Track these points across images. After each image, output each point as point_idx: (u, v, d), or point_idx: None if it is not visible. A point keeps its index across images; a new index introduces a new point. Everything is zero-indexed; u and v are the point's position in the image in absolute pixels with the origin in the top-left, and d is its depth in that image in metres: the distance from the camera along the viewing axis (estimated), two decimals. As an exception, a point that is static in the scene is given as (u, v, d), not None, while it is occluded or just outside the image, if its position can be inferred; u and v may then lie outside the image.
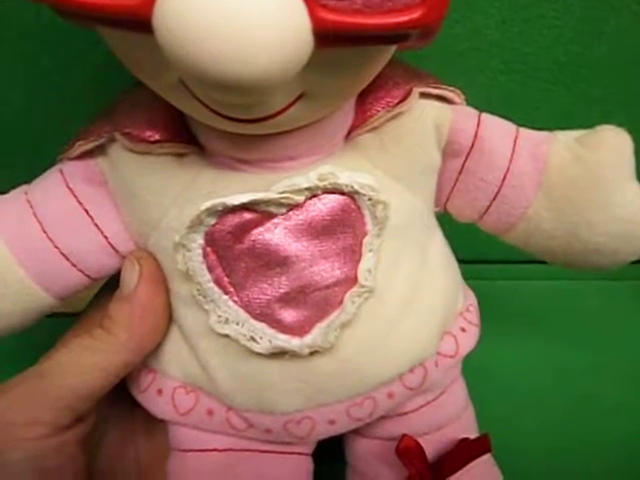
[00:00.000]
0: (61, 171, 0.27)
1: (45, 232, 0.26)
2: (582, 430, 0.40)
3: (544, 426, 0.40)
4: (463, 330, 0.29)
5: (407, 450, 0.27)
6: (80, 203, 0.26)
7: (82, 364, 0.26)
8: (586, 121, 0.29)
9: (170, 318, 0.28)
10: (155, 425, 0.31)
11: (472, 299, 0.32)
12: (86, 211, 0.26)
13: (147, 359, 0.28)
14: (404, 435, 0.28)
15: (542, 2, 0.39)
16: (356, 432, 0.29)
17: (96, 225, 0.27)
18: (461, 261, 0.32)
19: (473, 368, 0.34)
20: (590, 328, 0.46)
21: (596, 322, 0.47)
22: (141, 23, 0.16)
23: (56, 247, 0.26)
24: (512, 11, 0.39)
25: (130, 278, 0.26)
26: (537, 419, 0.41)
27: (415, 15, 0.17)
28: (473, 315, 0.31)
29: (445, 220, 0.31)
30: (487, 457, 0.29)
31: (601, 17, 0.40)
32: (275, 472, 0.28)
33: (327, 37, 0.16)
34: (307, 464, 0.29)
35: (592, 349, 0.45)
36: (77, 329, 0.28)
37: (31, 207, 0.26)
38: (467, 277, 0.33)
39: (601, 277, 0.50)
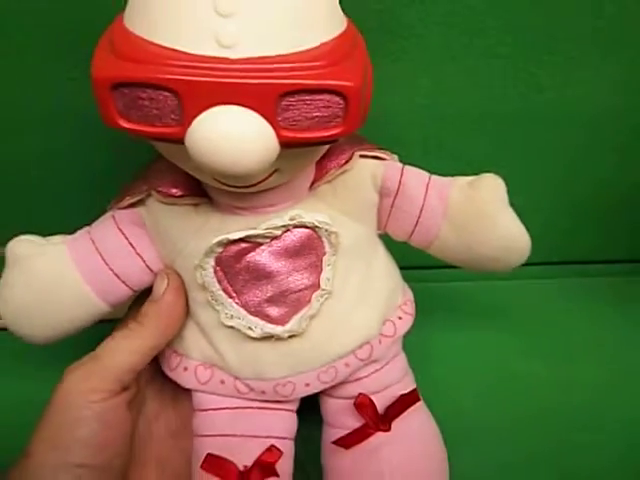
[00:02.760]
0: (113, 217, 0.37)
1: (104, 260, 0.36)
2: (514, 400, 0.48)
3: (480, 396, 0.48)
4: (400, 318, 0.40)
5: (362, 404, 0.37)
6: (127, 239, 0.36)
7: (123, 348, 0.35)
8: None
9: (187, 316, 0.38)
10: (180, 398, 0.40)
11: (409, 295, 0.42)
12: (131, 244, 0.37)
13: (175, 346, 0.38)
14: (360, 393, 0.37)
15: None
16: (327, 394, 0.39)
17: (138, 254, 0.37)
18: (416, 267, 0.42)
19: (423, 352, 0.43)
20: (524, 319, 0.54)
21: (529, 313, 0.55)
22: (178, 140, 0.27)
23: (111, 270, 0.36)
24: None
25: (159, 287, 0.36)
26: (474, 391, 0.48)
27: (338, 130, 0.27)
28: (409, 307, 0.41)
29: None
30: (422, 406, 0.39)
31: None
32: (269, 422, 0.37)
33: (287, 144, 0.27)
34: (293, 418, 0.38)
35: (525, 335, 0.53)
36: (120, 326, 0.37)
37: (93, 243, 0.37)
38: (422, 280, 0.43)
39: (533, 277, 0.58)
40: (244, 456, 0.36)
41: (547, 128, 0.51)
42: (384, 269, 0.40)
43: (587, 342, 0.53)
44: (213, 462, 0.35)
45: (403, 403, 0.38)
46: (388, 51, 0.44)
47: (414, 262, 0.44)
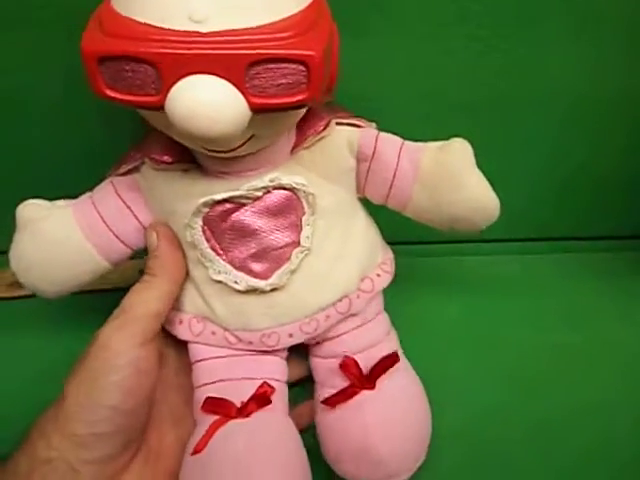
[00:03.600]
0: (112, 182, 0.40)
1: (104, 221, 0.40)
2: (501, 365, 0.50)
3: (468, 361, 0.50)
4: (378, 275, 0.43)
5: (346, 365, 0.40)
6: (124, 202, 0.40)
7: (145, 299, 0.38)
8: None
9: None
10: (182, 365, 0.43)
11: (390, 255, 0.45)
12: (128, 207, 0.40)
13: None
14: (344, 355, 0.40)
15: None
16: (315, 355, 0.42)
17: (134, 216, 0.40)
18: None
19: (413, 322, 0.47)
20: (511, 290, 0.57)
21: (516, 285, 0.58)
22: (158, 108, 0.30)
23: (111, 230, 0.40)
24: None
25: (152, 240, 0.39)
26: (462, 356, 0.50)
27: (303, 96, 0.30)
28: (388, 266, 0.44)
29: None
30: (407, 367, 0.42)
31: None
32: (261, 366, 0.40)
33: (257, 110, 0.30)
34: (283, 364, 0.42)
35: (512, 305, 0.55)
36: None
37: (94, 206, 0.40)
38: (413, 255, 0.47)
39: (520, 252, 0.61)
40: (240, 395, 0.39)
41: (526, 109, 0.53)
42: (363, 229, 0.43)
43: (570, 311, 0.56)
44: (212, 403, 0.38)
45: (386, 362, 0.40)
46: (366, 28, 0.46)
47: (405, 238, 0.47)
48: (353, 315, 0.41)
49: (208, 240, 0.38)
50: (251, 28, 0.29)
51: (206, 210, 0.37)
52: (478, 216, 0.42)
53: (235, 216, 0.38)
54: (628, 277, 0.60)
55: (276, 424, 0.39)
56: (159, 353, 0.38)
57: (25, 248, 0.39)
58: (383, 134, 0.41)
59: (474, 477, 0.43)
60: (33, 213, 0.40)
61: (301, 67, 0.29)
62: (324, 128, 0.39)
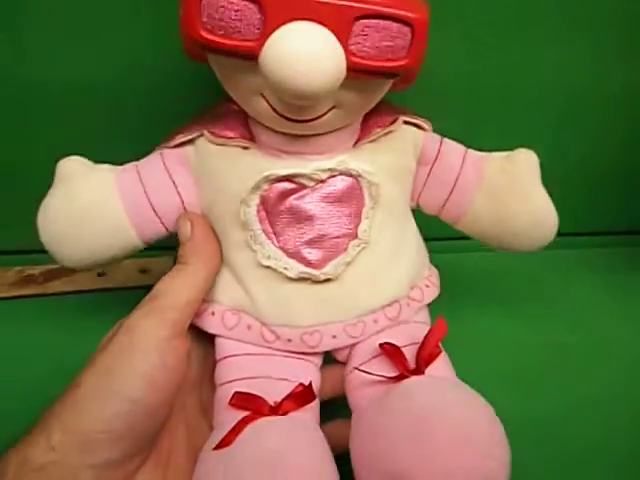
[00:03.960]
0: (161, 154, 0.38)
1: (146, 193, 0.38)
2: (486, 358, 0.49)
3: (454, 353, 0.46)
4: (427, 286, 0.41)
5: (391, 350, 0.36)
6: (170, 176, 0.38)
7: (177, 286, 0.35)
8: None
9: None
10: (206, 370, 0.40)
11: (435, 271, 0.44)
12: (173, 182, 0.38)
13: None
14: (385, 342, 0.36)
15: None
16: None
17: (178, 193, 0.38)
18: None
19: None
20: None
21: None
22: (252, 57, 0.29)
23: (150, 204, 0.38)
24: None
25: (185, 228, 0.37)
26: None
27: (402, 62, 0.30)
28: (434, 279, 0.43)
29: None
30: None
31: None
32: (295, 368, 0.37)
33: (355, 70, 0.29)
34: (318, 372, 0.38)
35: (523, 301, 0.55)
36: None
37: (139, 175, 0.38)
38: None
39: None
40: (273, 395, 0.35)
41: (522, 107, 0.54)
42: (414, 239, 0.42)
43: (567, 308, 0.56)
44: (242, 397, 0.35)
45: (433, 339, 0.37)
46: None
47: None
48: (400, 323, 0.39)
49: (261, 222, 0.37)
50: None
51: (265, 187, 0.36)
52: (538, 231, 0.41)
53: (294, 197, 0.36)
54: (625, 273, 0.61)
55: (312, 429, 0.35)
56: (188, 351, 0.35)
57: (57, 203, 0.37)
58: (447, 139, 0.41)
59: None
60: (74, 169, 0.38)
61: (406, 29, 0.29)
62: (392, 123, 0.38)
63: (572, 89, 0.53)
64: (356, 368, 0.37)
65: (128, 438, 0.31)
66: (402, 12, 0.29)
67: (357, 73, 0.30)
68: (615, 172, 0.60)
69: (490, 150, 0.42)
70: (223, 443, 0.32)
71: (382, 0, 0.29)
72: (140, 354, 0.32)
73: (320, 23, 0.28)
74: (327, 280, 0.37)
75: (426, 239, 0.44)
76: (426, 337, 0.36)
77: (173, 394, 0.34)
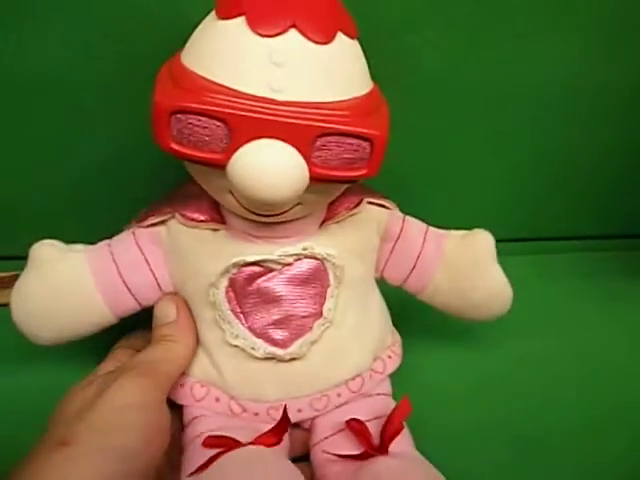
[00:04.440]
0: (133, 233, 0.39)
1: (119, 272, 0.39)
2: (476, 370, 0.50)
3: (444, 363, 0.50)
4: (389, 357, 0.43)
5: (356, 427, 0.37)
6: (143, 255, 0.39)
7: (169, 357, 0.37)
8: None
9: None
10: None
11: (398, 338, 0.46)
12: (146, 261, 0.39)
13: None
14: (352, 419, 0.37)
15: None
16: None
17: (152, 270, 0.39)
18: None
19: None
20: None
21: None
22: (220, 166, 0.31)
23: (124, 282, 0.39)
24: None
25: (170, 309, 0.39)
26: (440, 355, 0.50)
27: (362, 172, 0.32)
28: (397, 348, 0.44)
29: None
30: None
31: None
32: (261, 427, 0.37)
33: (316, 179, 0.31)
34: (285, 438, 0.38)
35: None
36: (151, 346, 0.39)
37: (112, 255, 0.39)
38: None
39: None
40: (245, 438, 0.36)
41: (509, 105, 0.54)
42: (378, 309, 0.44)
43: (554, 316, 0.57)
44: (214, 439, 0.36)
45: (398, 417, 0.38)
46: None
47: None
48: (363, 396, 0.41)
49: (230, 302, 0.38)
50: (323, 102, 0.31)
51: (234, 271, 0.37)
52: (496, 303, 0.44)
53: (262, 280, 0.38)
54: (611, 277, 0.61)
55: (284, 458, 0.36)
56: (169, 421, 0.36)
57: (33, 288, 0.38)
58: (409, 217, 0.43)
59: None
60: (48, 254, 0.39)
61: (366, 144, 0.31)
62: (356, 205, 0.40)
63: (560, 85, 0.54)
64: (324, 451, 0.38)
65: None
66: (361, 130, 0.31)
67: (319, 181, 0.32)
68: (602, 175, 0.61)
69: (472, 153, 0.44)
70: (198, 470, 0.33)
71: (343, 119, 0.31)
72: (137, 410, 0.33)
73: (284, 140, 0.30)
74: (292, 359, 0.38)
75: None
76: (391, 415, 0.38)
77: (160, 458, 0.34)
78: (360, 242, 0.41)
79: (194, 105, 0.29)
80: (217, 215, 0.38)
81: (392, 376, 0.44)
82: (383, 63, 0.37)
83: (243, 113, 0.29)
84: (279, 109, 0.30)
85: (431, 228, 0.44)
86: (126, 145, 0.48)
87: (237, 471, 0.32)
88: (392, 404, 0.41)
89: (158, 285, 0.40)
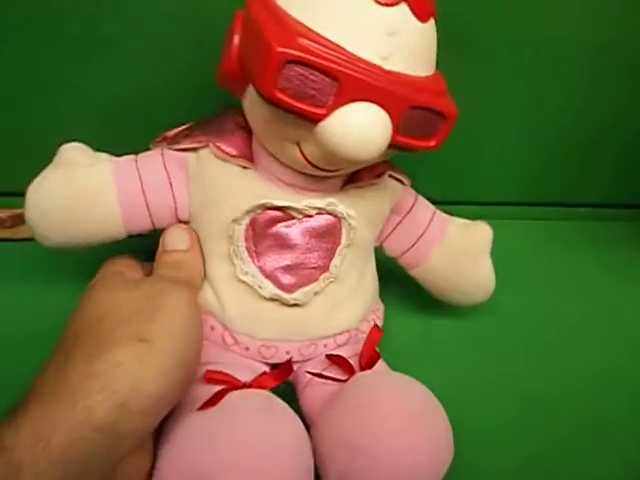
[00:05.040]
0: (162, 154, 0.40)
1: (142, 189, 0.39)
2: (486, 330, 0.52)
3: (453, 326, 0.52)
4: (374, 321, 0.45)
5: (336, 359, 0.40)
6: (169, 177, 0.40)
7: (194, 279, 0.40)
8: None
9: None
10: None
11: (381, 305, 0.48)
12: (170, 183, 0.40)
13: None
14: (330, 354, 0.40)
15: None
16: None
17: (173, 194, 0.40)
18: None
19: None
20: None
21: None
22: (315, 120, 0.32)
23: (145, 199, 0.39)
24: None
25: (185, 238, 0.40)
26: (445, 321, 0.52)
27: (431, 144, 0.35)
28: (380, 313, 0.47)
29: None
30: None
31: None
32: (252, 365, 0.39)
33: (394, 145, 0.34)
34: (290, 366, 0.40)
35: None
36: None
37: (137, 170, 0.39)
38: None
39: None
40: (242, 377, 0.37)
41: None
42: (372, 276, 0.46)
43: (558, 279, 0.60)
44: (215, 375, 0.36)
45: (369, 344, 0.41)
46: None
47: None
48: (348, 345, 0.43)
49: (247, 240, 0.39)
50: (418, 77, 0.34)
51: (259, 211, 0.38)
52: (478, 293, 0.48)
53: (282, 226, 0.39)
54: (622, 245, 0.64)
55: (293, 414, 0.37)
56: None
57: (55, 187, 0.38)
58: (421, 197, 0.46)
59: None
60: (76, 156, 0.39)
61: (441, 120, 0.35)
62: (379, 175, 0.42)
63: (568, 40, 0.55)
64: (308, 372, 0.40)
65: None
66: (443, 107, 0.34)
67: (392, 147, 0.34)
68: (616, 141, 0.62)
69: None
70: (207, 405, 0.34)
71: (432, 95, 0.34)
72: (194, 321, 0.34)
73: (381, 106, 0.32)
74: (294, 305, 0.40)
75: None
76: (364, 344, 0.41)
77: (194, 373, 0.34)
78: (374, 210, 0.43)
79: (313, 58, 0.31)
80: (249, 152, 0.39)
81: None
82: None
83: (356, 74, 0.31)
84: (384, 76, 0.32)
85: (438, 212, 0.47)
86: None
87: (249, 416, 0.33)
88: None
89: (176, 210, 0.41)
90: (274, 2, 0.33)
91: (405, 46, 0.33)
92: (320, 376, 0.40)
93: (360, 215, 0.41)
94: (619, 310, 0.58)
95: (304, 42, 0.31)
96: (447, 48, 0.49)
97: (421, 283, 0.49)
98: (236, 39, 0.35)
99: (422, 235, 0.46)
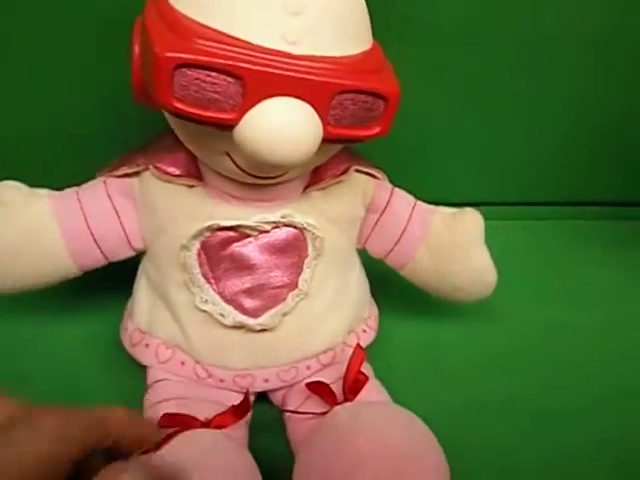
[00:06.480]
0: (104, 182, 0.37)
1: (86, 221, 0.36)
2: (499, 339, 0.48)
3: (467, 333, 0.48)
4: (364, 331, 0.42)
5: (316, 388, 0.36)
6: (114, 206, 0.37)
7: None
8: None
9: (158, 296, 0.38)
10: None
11: (375, 310, 0.44)
12: (116, 212, 0.37)
13: (140, 324, 0.38)
14: (310, 383, 0.36)
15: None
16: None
17: (121, 223, 0.37)
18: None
19: None
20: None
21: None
22: (228, 127, 0.28)
23: (91, 232, 0.36)
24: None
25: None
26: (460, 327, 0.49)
27: (375, 131, 0.30)
28: (373, 322, 0.43)
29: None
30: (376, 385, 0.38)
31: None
32: (227, 395, 0.36)
33: (330, 139, 0.30)
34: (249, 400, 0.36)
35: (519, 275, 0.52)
36: None
37: (79, 202, 0.36)
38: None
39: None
40: (204, 414, 0.34)
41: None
42: (357, 281, 0.42)
43: (581, 284, 0.56)
44: (171, 418, 0.34)
45: (355, 363, 0.37)
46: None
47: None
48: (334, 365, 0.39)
49: (201, 265, 0.36)
50: (340, 57, 0.29)
51: (207, 234, 0.35)
52: (477, 288, 0.43)
53: (236, 246, 0.36)
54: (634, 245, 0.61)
55: (240, 443, 0.35)
56: None
57: None
58: (397, 190, 0.41)
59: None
60: (11, 195, 0.36)
61: (380, 102, 0.30)
62: (343, 172, 0.38)
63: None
64: (285, 410, 0.37)
65: None
66: (379, 87, 0.29)
67: (330, 141, 0.30)
68: (628, 138, 0.60)
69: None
70: (157, 447, 0.31)
71: (361, 74, 0.29)
72: None
73: (300, 98, 0.28)
74: (262, 329, 0.36)
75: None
76: (347, 367, 0.37)
77: None
78: (343, 212, 0.39)
79: (205, 58, 0.27)
80: (194, 170, 0.36)
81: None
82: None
83: (259, 68, 0.27)
84: (296, 63, 0.27)
85: (419, 203, 0.42)
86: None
87: (190, 456, 0.30)
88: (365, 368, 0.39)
89: (127, 239, 0.38)
90: (169, 4, 0.29)
91: (317, 24, 0.28)
92: (297, 412, 0.36)
93: (326, 220, 0.38)
94: (636, 316, 0.53)
95: (195, 43, 0.27)
96: (450, 46, 0.48)
97: (414, 283, 0.44)
98: (136, 49, 0.31)
99: (403, 233, 0.41)
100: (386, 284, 0.45)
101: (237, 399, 0.36)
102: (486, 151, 0.58)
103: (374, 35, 0.33)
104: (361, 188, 0.39)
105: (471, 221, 0.42)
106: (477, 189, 0.54)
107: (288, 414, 0.37)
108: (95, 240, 0.37)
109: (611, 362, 0.48)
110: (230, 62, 0.26)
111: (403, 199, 0.42)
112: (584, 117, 0.58)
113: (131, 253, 0.38)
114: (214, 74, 0.27)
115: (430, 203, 0.43)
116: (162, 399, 0.36)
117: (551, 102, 0.56)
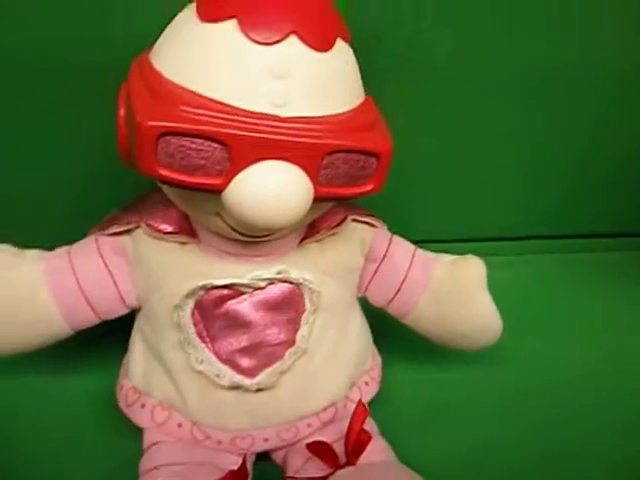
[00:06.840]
0: (96, 241, 0.36)
1: (78, 283, 0.35)
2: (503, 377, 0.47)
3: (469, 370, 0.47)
4: (367, 384, 0.40)
5: (317, 448, 0.35)
6: (106, 266, 0.36)
7: None
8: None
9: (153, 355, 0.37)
10: None
11: (378, 360, 0.43)
12: (109, 272, 0.36)
13: (136, 383, 0.37)
14: (310, 443, 0.35)
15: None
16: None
17: (114, 282, 0.36)
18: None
19: None
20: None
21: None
22: (216, 191, 0.27)
23: (83, 294, 0.35)
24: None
25: None
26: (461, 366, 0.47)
27: (368, 188, 0.30)
28: (376, 373, 0.42)
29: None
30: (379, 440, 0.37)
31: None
32: (226, 458, 0.35)
33: (322, 199, 0.29)
34: (249, 463, 0.36)
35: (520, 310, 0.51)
36: None
37: (71, 264, 0.35)
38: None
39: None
40: (206, 477, 0.34)
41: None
42: (358, 332, 0.41)
43: (583, 319, 0.55)
44: None
45: (357, 422, 0.36)
46: None
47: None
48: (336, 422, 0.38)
49: (196, 325, 0.35)
50: (328, 116, 0.29)
51: (201, 293, 0.34)
52: (482, 336, 0.42)
53: (231, 304, 0.35)
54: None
55: None
56: None
57: None
58: (397, 237, 0.41)
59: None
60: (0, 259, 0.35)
61: (373, 160, 0.29)
62: (339, 224, 0.37)
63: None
64: (289, 477, 0.36)
65: None
66: (370, 145, 0.29)
67: (322, 200, 0.30)
68: (628, 170, 0.59)
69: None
70: None
71: (350, 133, 0.29)
72: None
73: (290, 161, 0.27)
74: (260, 389, 0.35)
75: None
76: (349, 426, 0.35)
77: None
78: (341, 263, 0.38)
79: (189, 126, 0.26)
80: (187, 227, 0.35)
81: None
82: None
83: (245, 133, 0.26)
84: (283, 127, 0.27)
85: (419, 251, 0.41)
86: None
87: None
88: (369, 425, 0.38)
89: (121, 298, 0.37)
90: (153, 68, 0.29)
91: (304, 85, 0.28)
92: (298, 479, 0.35)
93: (324, 272, 0.37)
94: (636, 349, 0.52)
95: (179, 110, 0.26)
96: (459, 82, 0.48)
97: (417, 332, 0.43)
98: (122, 112, 0.30)
99: (403, 281, 0.40)
100: (388, 332, 0.44)
101: (236, 461, 0.34)
102: (495, 185, 0.57)
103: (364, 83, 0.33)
104: (359, 237, 0.39)
105: (472, 267, 0.41)
106: (484, 225, 0.54)
107: (289, 474, 0.36)
108: (88, 301, 0.36)
109: (622, 397, 0.46)
110: (215, 129, 0.26)
111: (402, 247, 0.41)
112: (585, 160, 0.58)
113: (125, 311, 0.37)
114: (199, 140, 0.26)
115: (431, 242, 0.43)
116: (158, 464, 0.35)
117: (551, 141, 0.56)
